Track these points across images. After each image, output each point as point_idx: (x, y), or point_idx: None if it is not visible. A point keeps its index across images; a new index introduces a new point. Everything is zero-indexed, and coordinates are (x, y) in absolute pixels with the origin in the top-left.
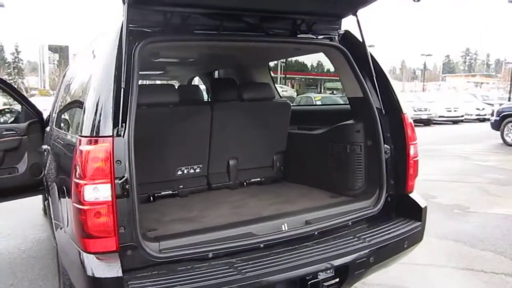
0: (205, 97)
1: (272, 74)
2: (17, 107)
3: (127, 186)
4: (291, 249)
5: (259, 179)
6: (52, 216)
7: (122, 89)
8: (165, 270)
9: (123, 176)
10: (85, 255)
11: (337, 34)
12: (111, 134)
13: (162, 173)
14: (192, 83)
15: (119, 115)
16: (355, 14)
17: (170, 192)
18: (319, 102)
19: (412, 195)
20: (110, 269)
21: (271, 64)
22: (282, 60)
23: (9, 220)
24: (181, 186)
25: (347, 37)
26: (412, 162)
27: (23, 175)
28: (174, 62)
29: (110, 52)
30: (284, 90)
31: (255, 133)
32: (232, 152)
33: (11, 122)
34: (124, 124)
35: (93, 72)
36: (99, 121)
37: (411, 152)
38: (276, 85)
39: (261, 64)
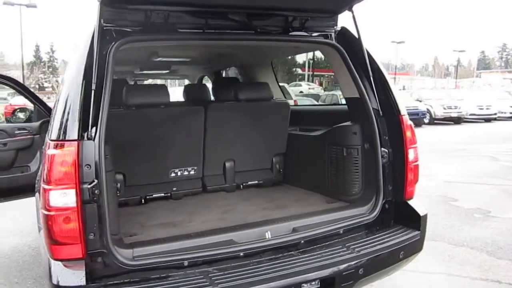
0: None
1: (300, 72)
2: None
3: (96, 191)
4: (274, 258)
5: (256, 181)
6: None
7: (93, 91)
8: (138, 278)
9: (93, 181)
10: (52, 262)
11: (333, 31)
12: (76, 138)
13: (154, 175)
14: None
15: (89, 118)
16: (350, 9)
17: (163, 194)
18: (344, 101)
19: (411, 202)
20: (74, 277)
21: (300, 60)
22: (310, 57)
23: (24, 217)
24: (175, 189)
25: (344, 34)
26: (412, 167)
27: (35, 173)
28: (177, 61)
29: (82, 52)
30: (311, 88)
31: (252, 135)
32: (228, 154)
33: (24, 122)
34: (95, 127)
35: (67, 73)
36: (66, 125)
37: (410, 156)
38: (303, 83)
39: (261, 63)
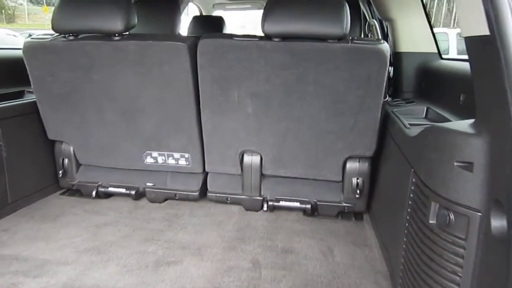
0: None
1: None
2: None
3: None
4: None
5: (298, 204)
6: None
7: None
8: None
9: None
10: None
11: None
12: None
13: (120, 155)
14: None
15: None
16: None
17: (124, 190)
18: None
19: None
20: None
21: None
22: None
23: None
24: (150, 184)
25: None
26: None
27: None
28: None
29: None
30: None
31: (298, 110)
32: (248, 141)
33: None
34: None
35: None
36: None
37: None
38: None
39: None
